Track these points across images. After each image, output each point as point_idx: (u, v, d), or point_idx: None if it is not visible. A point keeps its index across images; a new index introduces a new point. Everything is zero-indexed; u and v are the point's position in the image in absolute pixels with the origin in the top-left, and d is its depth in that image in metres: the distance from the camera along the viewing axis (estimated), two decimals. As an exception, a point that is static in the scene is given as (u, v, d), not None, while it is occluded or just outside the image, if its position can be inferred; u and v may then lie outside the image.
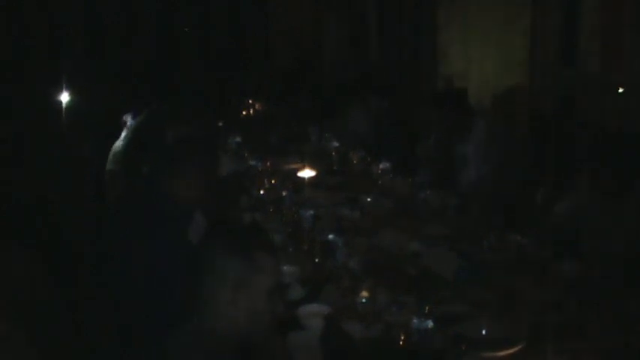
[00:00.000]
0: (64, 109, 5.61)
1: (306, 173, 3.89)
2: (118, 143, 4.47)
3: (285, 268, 2.81)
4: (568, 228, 3.09)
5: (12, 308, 2.26)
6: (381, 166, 4.32)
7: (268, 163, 4.57)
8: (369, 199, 3.80)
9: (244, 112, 7.13)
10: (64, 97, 5.65)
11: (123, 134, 4.50)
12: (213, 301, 1.75)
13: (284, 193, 3.75)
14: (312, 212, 3.37)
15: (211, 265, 1.77)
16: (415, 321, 2.21)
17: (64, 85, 5.71)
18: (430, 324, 2.21)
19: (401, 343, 2.16)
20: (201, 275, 1.78)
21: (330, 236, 3.06)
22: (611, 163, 2.96)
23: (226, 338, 1.75)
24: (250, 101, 7.34)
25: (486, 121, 4.14)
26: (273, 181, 4.00)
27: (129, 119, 4.47)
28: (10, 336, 2.11)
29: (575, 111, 4.40)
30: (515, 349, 2.14)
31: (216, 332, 1.74)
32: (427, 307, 2.28)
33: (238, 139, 5.46)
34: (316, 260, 2.93)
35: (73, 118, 5.64)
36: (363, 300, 2.43)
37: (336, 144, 5.04)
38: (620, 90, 4.01)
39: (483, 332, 2.25)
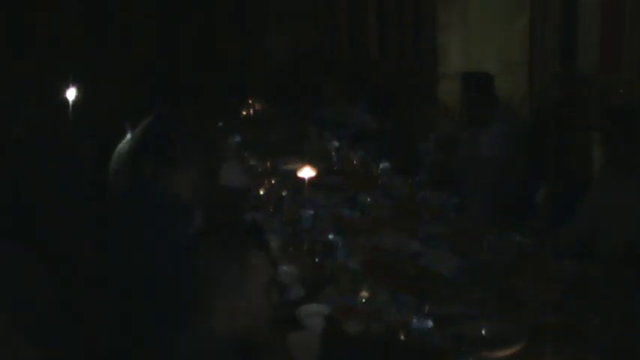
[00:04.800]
0: (67, 109, 5.61)
1: (306, 173, 3.89)
2: (123, 144, 4.47)
3: (285, 268, 2.81)
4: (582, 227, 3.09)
5: (12, 308, 2.26)
6: (381, 166, 4.32)
7: (268, 163, 4.57)
8: (369, 199, 3.80)
9: (244, 112, 7.13)
10: (70, 94, 5.64)
11: (128, 135, 4.50)
12: (210, 303, 1.75)
13: (284, 193, 3.75)
14: (312, 212, 3.37)
15: (204, 268, 1.77)
16: (415, 321, 2.21)
17: (70, 84, 5.71)
18: (430, 324, 2.21)
19: (401, 343, 2.16)
20: (195, 277, 1.78)
21: (330, 236, 3.06)
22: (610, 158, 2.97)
23: (225, 339, 1.75)
24: (250, 101, 7.34)
25: (501, 117, 4.14)
26: (273, 181, 4.00)
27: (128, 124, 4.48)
28: (10, 336, 2.11)
29: (575, 111, 4.40)
30: (515, 349, 2.14)
31: (215, 333, 1.74)
32: (427, 307, 2.28)
33: (238, 139, 5.46)
34: (316, 260, 2.93)
35: (75, 118, 5.64)
36: (363, 300, 2.43)
37: (336, 144, 5.04)
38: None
39: (483, 332, 2.25)
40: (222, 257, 1.77)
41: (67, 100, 5.64)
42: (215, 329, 1.75)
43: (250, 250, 1.79)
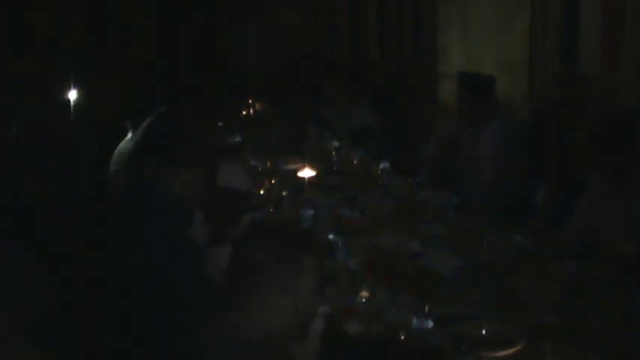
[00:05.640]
0: (67, 109, 5.62)
1: (306, 173, 3.89)
2: (124, 144, 4.48)
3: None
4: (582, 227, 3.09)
5: (11, 308, 2.26)
6: (381, 166, 4.32)
7: (268, 163, 4.57)
8: (369, 199, 3.80)
9: (244, 112, 7.13)
10: (72, 95, 5.64)
11: (128, 135, 4.51)
12: (257, 303, 1.75)
13: (284, 193, 3.75)
14: (312, 212, 3.37)
15: (256, 268, 1.77)
16: (415, 321, 2.21)
17: (70, 84, 5.71)
18: (430, 324, 2.21)
19: (401, 343, 2.16)
20: (244, 277, 1.78)
21: (330, 236, 3.06)
22: (610, 158, 2.97)
23: (262, 339, 1.74)
24: (250, 101, 7.34)
25: (501, 117, 4.14)
26: (273, 181, 4.00)
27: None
28: (10, 336, 2.11)
29: (575, 111, 4.40)
30: (515, 349, 2.14)
31: (253, 333, 1.73)
32: (427, 307, 2.28)
33: (238, 139, 5.46)
34: (316, 260, 2.93)
35: (75, 118, 5.65)
36: (363, 300, 2.43)
37: (336, 144, 5.04)
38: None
39: (483, 332, 2.25)
40: (273, 257, 1.77)
41: (67, 100, 5.65)
42: (255, 327, 1.74)
43: (301, 253, 1.80)
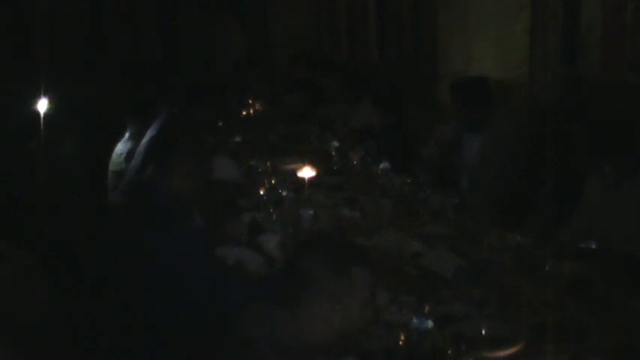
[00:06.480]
0: (65, 110, 5.62)
1: (306, 173, 3.89)
2: (122, 145, 4.47)
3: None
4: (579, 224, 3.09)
5: (10, 310, 2.25)
6: (381, 166, 4.32)
7: (268, 163, 4.57)
8: (369, 199, 3.80)
9: (244, 112, 7.13)
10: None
11: (127, 136, 4.51)
12: (305, 314, 1.76)
13: (284, 193, 3.75)
14: (312, 212, 3.37)
15: (307, 279, 1.77)
16: (415, 321, 2.21)
17: (69, 84, 5.71)
18: (430, 324, 2.21)
19: (401, 343, 2.16)
20: (295, 287, 1.78)
21: (330, 236, 3.06)
22: (611, 158, 2.97)
23: (307, 350, 1.75)
24: (250, 101, 7.34)
25: (500, 117, 4.14)
26: (273, 181, 4.00)
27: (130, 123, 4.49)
28: (8, 339, 2.11)
29: (575, 111, 4.40)
30: (515, 349, 2.14)
31: (299, 343, 1.74)
32: (427, 307, 2.28)
33: (238, 139, 5.46)
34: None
35: (73, 119, 5.64)
36: (363, 300, 2.42)
37: (336, 144, 5.04)
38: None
39: (483, 332, 2.24)
40: (327, 268, 1.78)
41: (65, 101, 5.65)
42: (301, 337, 1.75)
43: (356, 266, 1.80)
